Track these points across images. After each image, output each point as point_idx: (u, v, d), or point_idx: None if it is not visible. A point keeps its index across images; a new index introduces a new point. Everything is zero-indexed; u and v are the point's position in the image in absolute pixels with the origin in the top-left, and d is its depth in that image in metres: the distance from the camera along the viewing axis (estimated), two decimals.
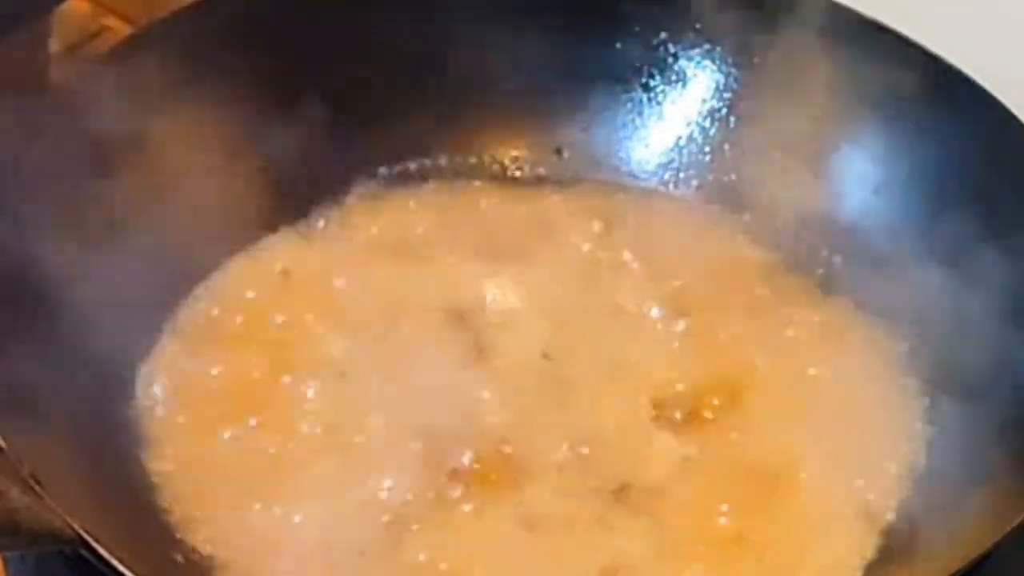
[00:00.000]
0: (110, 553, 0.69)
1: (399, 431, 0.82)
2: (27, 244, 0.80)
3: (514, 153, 0.96)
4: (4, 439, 0.71)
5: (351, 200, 0.93)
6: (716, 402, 0.84)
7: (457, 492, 0.80)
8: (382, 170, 0.94)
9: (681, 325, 0.87)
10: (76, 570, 0.72)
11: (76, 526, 0.69)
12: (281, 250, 0.91)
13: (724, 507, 0.80)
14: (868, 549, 0.79)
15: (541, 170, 0.95)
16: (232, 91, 0.89)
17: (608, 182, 0.95)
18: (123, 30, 1.01)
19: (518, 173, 0.96)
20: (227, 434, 0.82)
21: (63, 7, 0.99)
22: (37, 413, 0.75)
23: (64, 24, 1.00)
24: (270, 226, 0.91)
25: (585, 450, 0.82)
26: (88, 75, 0.88)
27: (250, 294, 0.88)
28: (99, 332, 0.82)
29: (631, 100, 0.96)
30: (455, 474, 0.80)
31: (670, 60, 0.96)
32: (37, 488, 0.70)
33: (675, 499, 0.80)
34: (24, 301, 0.79)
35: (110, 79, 0.87)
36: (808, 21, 0.92)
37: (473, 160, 0.96)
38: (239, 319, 0.88)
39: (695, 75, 0.96)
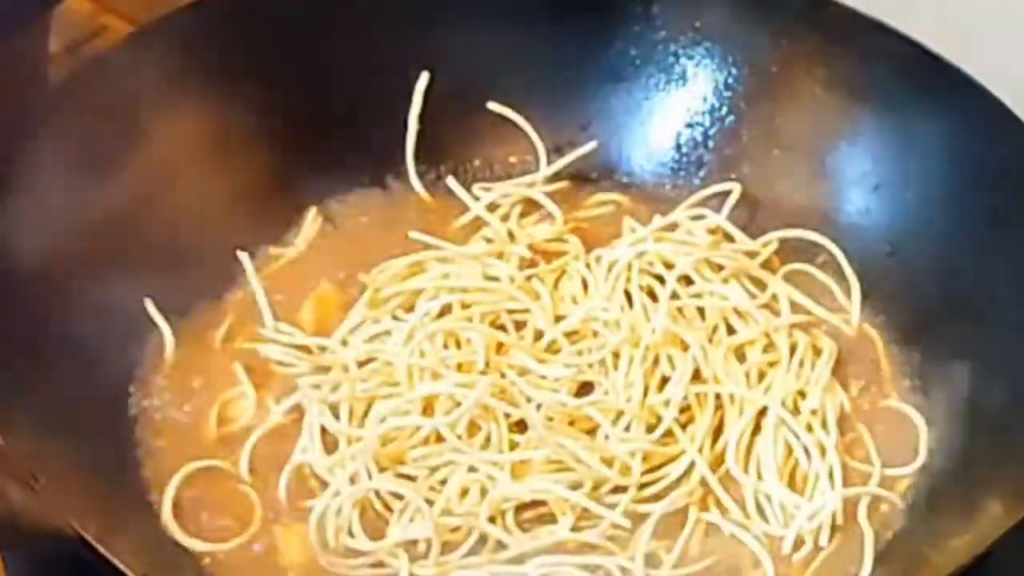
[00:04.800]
0: (110, 553, 0.69)
1: None
2: (26, 243, 0.80)
3: (515, 153, 0.96)
4: (4, 439, 0.72)
5: (349, 200, 0.93)
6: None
7: None
8: (382, 170, 0.94)
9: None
10: (76, 570, 0.72)
11: (76, 526, 0.69)
12: (281, 249, 0.91)
13: None
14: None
15: (541, 170, 0.95)
16: (232, 90, 0.90)
17: (608, 182, 0.95)
18: (123, 30, 1.01)
19: (518, 173, 0.96)
20: (227, 434, 0.83)
21: (63, 6, 0.99)
22: (37, 413, 0.75)
23: (64, 23, 1.00)
24: (271, 225, 0.91)
25: None
26: (88, 74, 0.88)
27: (253, 294, 0.88)
28: (99, 332, 0.82)
29: (631, 100, 0.97)
30: None
31: (670, 60, 0.96)
32: (37, 488, 0.70)
33: None
34: (24, 300, 0.79)
35: (110, 78, 0.87)
36: (808, 20, 0.92)
37: (473, 160, 0.96)
38: (242, 320, 0.88)
39: (695, 75, 0.96)
